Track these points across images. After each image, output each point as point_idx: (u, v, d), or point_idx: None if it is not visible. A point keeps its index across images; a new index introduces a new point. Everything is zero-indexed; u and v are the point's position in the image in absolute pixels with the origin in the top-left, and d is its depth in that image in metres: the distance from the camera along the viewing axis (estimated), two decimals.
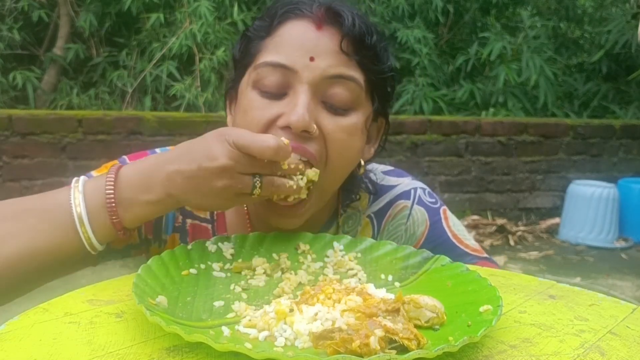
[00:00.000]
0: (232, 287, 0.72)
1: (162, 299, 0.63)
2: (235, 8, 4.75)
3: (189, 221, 0.93)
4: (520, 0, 6.05)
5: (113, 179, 0.73)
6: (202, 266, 0.74)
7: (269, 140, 0.70)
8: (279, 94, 0.81)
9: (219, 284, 0.72)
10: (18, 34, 4.71)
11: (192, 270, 0.73)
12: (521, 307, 0.70)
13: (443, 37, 5.88)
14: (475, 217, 4.58)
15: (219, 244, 0.79)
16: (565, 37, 6.39)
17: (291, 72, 0.80)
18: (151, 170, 0.73)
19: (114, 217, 0.72)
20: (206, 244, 0.78)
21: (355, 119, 0.83)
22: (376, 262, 0.80)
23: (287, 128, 0.78)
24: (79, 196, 0.72)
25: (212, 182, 0.70)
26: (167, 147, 0.99)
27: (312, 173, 0.78)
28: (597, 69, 5.96)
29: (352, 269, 0.79)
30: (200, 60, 4.66)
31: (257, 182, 0.72)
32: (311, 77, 0.79)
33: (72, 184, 0.74)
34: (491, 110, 5.02)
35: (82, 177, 0.76)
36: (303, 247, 0.82)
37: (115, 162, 0.93)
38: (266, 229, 0.85)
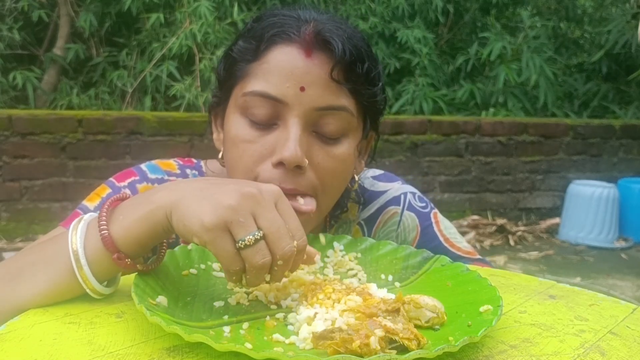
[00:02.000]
0: (230, 286, 0.72)
1: (162, 299, 0.63)
2: (235, 8, 4.75)
3: None
4: (520, 0, 6.05)
5: (106, 210, 0.66)
6: (202, 266, 0.74)
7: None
8: (269, 124, 0.80)
9: (219, 284, 0.72)
10: (18, 34, 4.71)
11: (192, 270, 0.73)
12: (521, 307, 0.70)
13: (443, 37, 5.88)
14: (475, 217, 4.58)
15: None
16: (565, 37, 6.39)
17: (282, 104, 0.78)
18: (152, 191, 0.67)
19: (104, 233, 0.64)
20: None
21: (346, 146, 0.82)
22: (376, 262, 0.80)
23: (279, 164, 0.77)
24: (78, 231, 0.65)
25: (220, 193, 0.61)
26: (153, 162, 0.97)
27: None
28: (597, 69, 5.97)
29: (352, 269, 0.79)
30: (200, 60, 4.66)
31: (255, 239, 0.59)
32: (302, 109, 0.78)
33: (72, 225, 0.66)
34: (491, 110, 5.02)
35: (84, 220, 0.68)
36: None
37: (105, 188, 0.93)
38: None
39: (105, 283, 0.67)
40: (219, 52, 4.56)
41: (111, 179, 0.94)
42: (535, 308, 0.70)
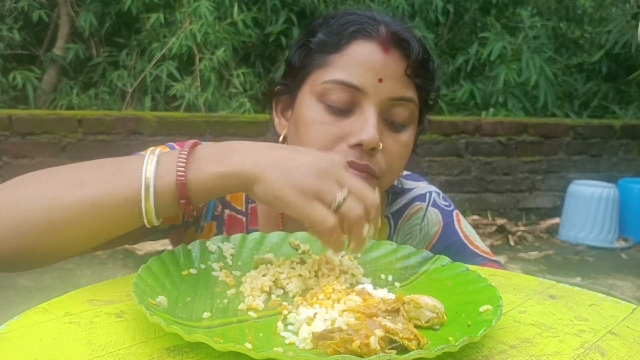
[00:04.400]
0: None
1: (162, 299, 0.63)
2: (235, 8, 4.75)
3: (227, 211, 0.96)
4: (520, 0, 6.05)
5: (187, 152, 0.69)
6: (202, 266, 0.74)
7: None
8: (345, 111, 0.86)
9: (219, 284, 0.72)
10: (18, 34, 4.71)
11: (192, 270, 0.73)
12: (521, 307, 0.70)
13: (443, 37, 5.88)
14: (475, 217, 4.58)
15: (219, 244, 0.79)
16: (565, 37, 6.39)
17: (361, 92, 0.85)
18: (233, 148, 0.69)
19: (180, 177, 0.67)
20: (206, 244, 0.78)
21: (409, 134, 0.90)
22: (376, 262, 0.80)
23: (357, 145, 0.83)
24: (153, 162, 0.68)
25: (303, 165, 0.66)
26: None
27: None
28: (597, 69, 5.96)
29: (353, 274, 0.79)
30: (200, 60, 4.66)
31: (344, 198, 0.66)
32: (379, 98, 0.85)
33: (148, 153, 0.70)
34: (491, 110, 5.02)
35: (159, 148, 0.72)
36: (303, 247, 0.82)
37: (165, 147, 0.93)
38: (298, 226, 0.84)
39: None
40: (219, 52, 4.57)
41: (171, 143, 0.95)
42: (535, 308, 0.70)
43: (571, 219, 4.50)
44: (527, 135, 4.72)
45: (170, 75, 4.65)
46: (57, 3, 4.92)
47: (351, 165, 0.81)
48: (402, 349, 0.54)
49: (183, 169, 0.67)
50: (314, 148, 0.84)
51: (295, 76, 0.92)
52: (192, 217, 0.94)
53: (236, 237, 0.81)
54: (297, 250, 0.82)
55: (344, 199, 0.65)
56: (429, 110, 0.97)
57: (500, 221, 4.54)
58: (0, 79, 4.58)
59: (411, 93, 0.88)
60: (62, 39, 4.90)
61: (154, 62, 4.71)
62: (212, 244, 0.78)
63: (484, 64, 5.49)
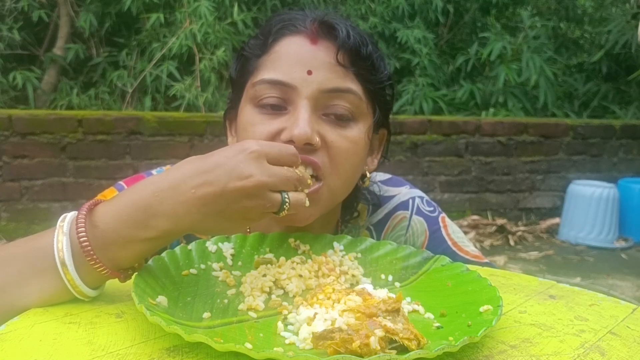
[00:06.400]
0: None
1: (162, 299, 0.63)
2: (235, 8, 4.75)
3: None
4: (520, 0, 6.05)
5: (84, 223, 0.63)
6: (202, 266, 0.74)
7: (291, 148, 0.69)
8: (279, 108, 0.82)
9: (219, 284, 0.72)
10: (18, 34, 4.70)
11: (192, 270, 0.73)
12: (521, 307, 0.70)
13: (443, 37, 5.88)
14: (475, 217, 4.58)
15: (219, 244, 0.79)
16: (565, 37, 6.39)
17: (290, 88, 0.81)
18: (147, 203, 0.63)
19: (96, 266, 0.63)
20: (206, 244, 0.78)
21: (356, 130, 0.84)
22: (376, 262, 0.80)
23: (289, 142, 0.78)
24: (63, 239, 0.63)
25: (240, 203, 0.63)
26: (164, 168, 0.98)
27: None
28: (597, 69, 5.96)
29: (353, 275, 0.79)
30: (200, 60, 4.66)
31: (287, 199, 0.66)
32: (309, 91, 0.80)
33: (58, 223, 0.65)
34: (491, 110, 5.02)
35: (71, 214, 0.66)
36: (303, 247, 0.82)
37: (113, 190, 0.92)
38: (299, 227, 0.84)
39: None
40: (219, 52, 4.56)
41: (120, 182, 0.94)
42: (535, 308, 0.70)
43: (571, 219, 4.50)
44: (527, 135, 4.71)
45: (170, 75, 4.65)
46: (57, 3, 4.92)
47: None
48: (402, 349, 0.53)
49: (91, 252, 0.63)
50: None
51: (235, 88, 0.90)
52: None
53: (236, 237, 0.81)
54: (297, 250, 0.82)
55: (285, 203, 0.66)
56: (386, 106, 0.91)
57: (500, 221, 4.54)
58: (0, 79, 4.57)
59: (349, 84, 0.82)
60: (62, 39, 4.90)
61: (154, 62, 4.71)
62: (212, 244, 0.78)
63: (484, 64, 5.49)
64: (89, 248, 0.63)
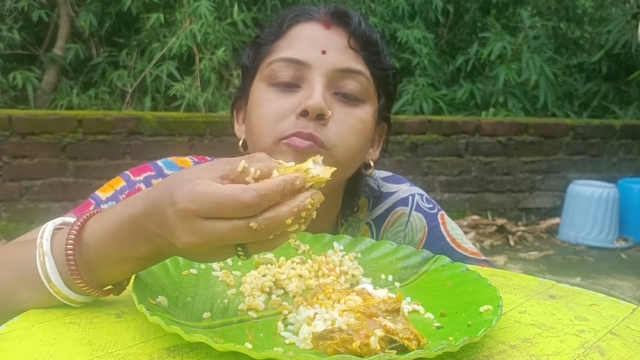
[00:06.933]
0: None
1: (162, 299, 0.63)
2: (235, 8, 4.75)
3: None
4: (520, 0, 6.05)
5: (73, 243, 0.60)
6: (202, 266, 0.74)
7: (243, 194, 0.52)
8: (292, 87, 0.86)
9: (219, 284, 0.72)
10: (18, 34, 4.70)
11: (192, 270, 0.73)
12: (521, 307, 0.70)
13: (443, 37, 5.88)
14: (475, 217, 4.58)
15: None
16: (565, 37, 6.38)
17: (305, 66, 0.86)
18: (130, 228, 0.59)
19: (85, 288, 0.61)
20: None
21: (364, 110, 0.88)
22: (376, 262, 0.80)
23: (303, 114, 0.82)
24: (45, 259, 0.60)
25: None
26: (169, 159, 0.99)
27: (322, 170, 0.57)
28: (597, 69, 5.96)
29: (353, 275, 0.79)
30: (200, 60, 4.66)
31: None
32: (324, 69, 0.85)
33: (37, 240, 0.62)
34: (491, 110, 5.02)
35: (49, 227, 0.63)
36: (303, 247, 0.82)
37: (120, 180, 0.93)
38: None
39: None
40: (219, 52, 4.56)
41: (127, 172, 0.95)
42: (535, 308, 0.70)
43: (571, 219, 4.50)
44: (527, 135, 4.71)
45: (170, 75, 4.65)
46: (57, 3, 4.92)
47: (297, 135, 0.81)
48: (402, 349, 0.53)
49: (76, 270, 0.60)
50: (262, 124, 0.85)
51: (248, 75, 0.93)
52: None
53: None
54: (297, 250, 0.82)
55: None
56: (390, 96, 0.95)
57: (500, 221, 4.53)
58: (0, 79, 4.57)
59: (360, 66, 0.88)
60: (62, 39, 4.90)
61: (154, 62, 4.71)
62: None
63: (484, 64, 5.48)
64: (78, 274, 0.60)
